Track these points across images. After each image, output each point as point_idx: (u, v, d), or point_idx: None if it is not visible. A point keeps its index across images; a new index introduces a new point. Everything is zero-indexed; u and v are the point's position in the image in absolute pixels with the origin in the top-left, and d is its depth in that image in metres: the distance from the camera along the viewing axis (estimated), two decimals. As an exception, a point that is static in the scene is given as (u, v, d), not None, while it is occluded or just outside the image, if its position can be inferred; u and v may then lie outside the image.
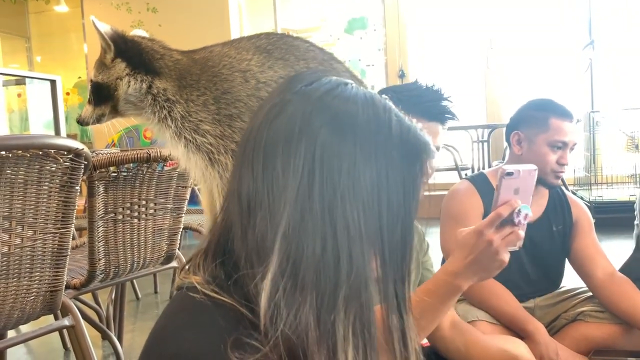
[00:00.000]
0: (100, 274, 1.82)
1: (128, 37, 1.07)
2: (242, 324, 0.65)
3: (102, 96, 1.05)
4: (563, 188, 2.19)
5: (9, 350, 2.22)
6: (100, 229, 1.79)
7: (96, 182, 1.73)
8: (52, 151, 1.46)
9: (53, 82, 3.60)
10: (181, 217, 2.08)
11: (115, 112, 1.07)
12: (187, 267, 0.75)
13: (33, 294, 1.53)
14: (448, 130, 1.52)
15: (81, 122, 1.09)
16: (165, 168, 1.94)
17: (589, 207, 2.33)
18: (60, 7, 7.31)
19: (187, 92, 1.00)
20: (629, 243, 3.72)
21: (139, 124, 1.18)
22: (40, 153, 1.44)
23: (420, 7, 6.38)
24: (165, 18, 6.13)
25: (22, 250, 1.47)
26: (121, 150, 2.38)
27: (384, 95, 0.75)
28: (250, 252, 0.68)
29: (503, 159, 4.38)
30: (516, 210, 1.02)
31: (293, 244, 0.65)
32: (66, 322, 1.65)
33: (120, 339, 2.51)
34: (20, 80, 5.13)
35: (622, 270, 2.04)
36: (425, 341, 1.52)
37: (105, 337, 2.53)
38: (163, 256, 2.07)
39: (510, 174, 1.01)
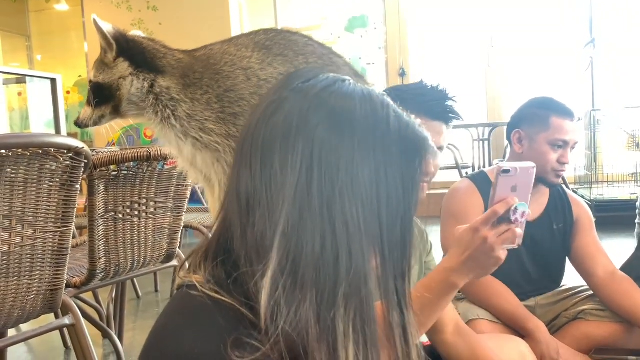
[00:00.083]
0: (101, 272, 1.82)
1: (129, 36, 1.05)
2: (242, 323, 0.65)
3: (104, 97, 1.03)
4: (564, 187, 2.19)
5: (9, 349, 2.22)
6: (101, 227, 1.79)
7: (96, 181, 1.73)
8: (52, 150, 1.45)
9: (53, 81, 3.60)
10: (181, 215, 2.08)
11: (116, 113, 1.05)
12: (187, 266, 0.75)
13: (33, 292, 1.53)
14: (448, 129, 1.52)
15: (80, 124, 1.06)
16: (166, 167, 1.94)
17: (590, 206, 2.33)
18: (61, 6, 7.31)
19: (191, 91, 0.99)
20: (629, 241, 3.72)
21: (139, 123, 1.16)
22: (41, 152, 1.43)
23: (420, 5, 6.38)
24: (166, 16, 6.13)
25: (23, 249, 1.47)
26: (121, 149, 2.38)
27: (382, 92, 0.75)
28: (249, 250, 0.68)
29: (504, 157, 4.38)
30: (512, 208, 1.01)
31: (292, 242, 0.65)
32: (66, 320, 1.65)
33: (120, 337, 2.51)
34: (20, 79, 5.12)
35: (623, 268, 2.04)
36: (426, 340, 1.52)
37: (105, 335, 2.53)
38: (163, 255, 2.07)
39: (506, 171, 1.01)
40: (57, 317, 1.81)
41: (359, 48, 6.43)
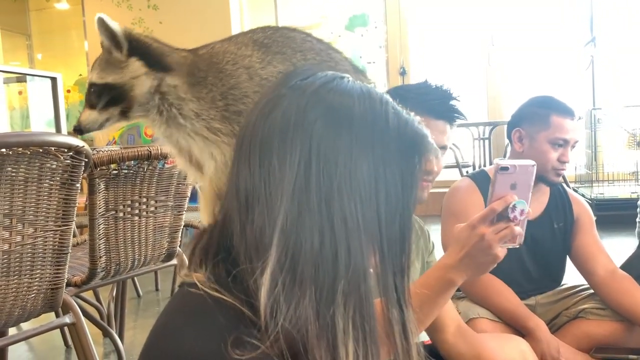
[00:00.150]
0: (101, 271, 1.82)
1: (135, 34, 1.03)
2: (242, 322, 0.65)
3: (112, 99, 0.97)
4: (564, 185, 2.19)
5: (10, 348, 2.22)
6: (101, 226, 1.79)
7: (97, 180, 1.73)
8: (53, 149, 1.45)
9: (54, 80, 3.60)
10: (182, 214, 2.08)
11: (124, 115, 1.00)
12: (187, 262, 0.75)
13: (34, 291, 1.53)
14: (449, 128, 1.52)
15: (83, 129, 0.99)
16: (166, 165, 1.94)
17: (590, 205, 2.33)
18: (61, 5, 7.31)
19: (197, 90, 0.97)
20: (630, 240, 3.72)
21: (138, 122, 1.12)
22: (41, 150, 1.43)
23: (421, 4, 6.37)
24: (166, 15, 6.12)
25: (23, 248, 1.47)
26: (122, 148, 2.38)
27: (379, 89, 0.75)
28: (249, 247, 0.68)
29: (504, 156, 4.38)
30: (511, 206, 1.01)
31: (291, 238, 0.65)
32: (67, 319, 1.65)
33: (121, 336, 2.51)
34: (21, 78, 5.12)
35: (623, 267, 2.04)
36: (427, 339, 1.52)
37: (106, 334, 2.53)
38: (164, 254, 2.07)
39: (505, 169, 1.01)
40: (57, 315, 1.81)
41: (360, 47, 6.42)
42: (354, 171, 0.67)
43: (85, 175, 1.63)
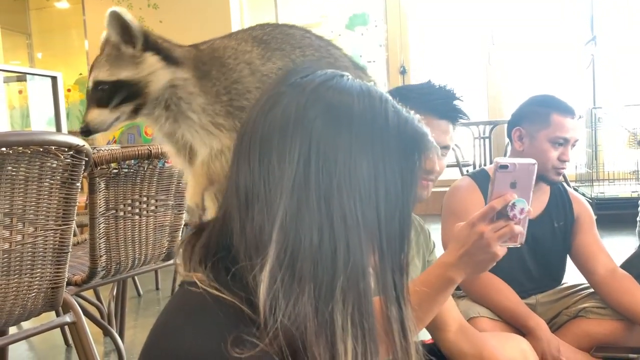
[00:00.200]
0: (102, 270, 1.82)
1: (147, 29, 0.99)
2: (242, 321, 0.65)
3: (126, 96, 0.92)
4: (564, 184, 2.19)
5: (10, 347, 2.22)
6: (102, 225, 1.79)
7: (97, 179, 1.73)
8: (53, 148, 1.45)
9: (54, 79, 3.60)
10: (182, 213, 2.08)
11: (135, 113, 0.94)
12: (182, 260, 0.75)
13: (34, 290, 1.53)
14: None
15: (92, 130, 0.92)
16: (167, 164, 1.94)
17: (591, 204, 2.34)
18: (61, 4, 7.31)
19: (203, 83, 0.94)
20: (630, 239, 3.72)
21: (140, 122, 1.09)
22: (41, 150, 1.43)
23: (421, 2, 6.37)
24: (166, 14, 6.12)
25: (23, 247, 1.47)
26: (122, 147, 2.38)
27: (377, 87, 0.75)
28: (249, 245, 0.68)
29: (505, 155, 4.38)
30: (510, 204, 1.01)
31: (290, 235, 0.65)
32: (67, 318, 1.65)
33: (121, 335, 2.51)
34: (21, 77, 5.13)
35: (623, 266, 2.04)
36: (429, 338, 1.52)
37: (106, 333, 2.53)
38: (164, 253, 2.07)
39: (504, 167, 1.01)
40: (58, 315, 1.81)
41: (360, 46, 6.42)
42: (353, 169, 0.67)
43: (85, 174, 1.63)
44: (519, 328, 1.85)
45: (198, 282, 0.69)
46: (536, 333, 1.81)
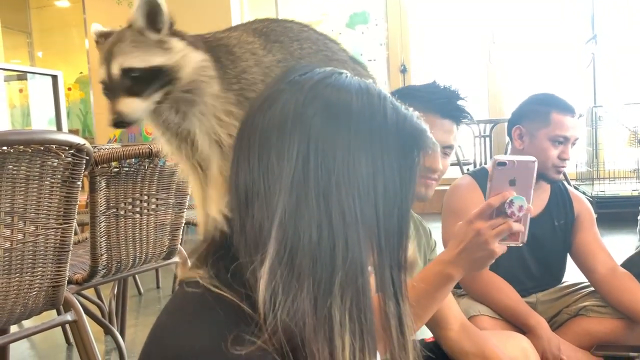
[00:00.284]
0: (103, 269, 1.82)
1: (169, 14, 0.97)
2: (242, 320, 0.65)
3: (161, 83, 0.87)
4: (565, 183, 2.19)
5: (11, 346, 2.22)
6: (102, 224, 1.79)
7: (98, 178, 1.73)
8: (54, 146, 1.45)
9: (54, 78, 3.60)
10: (183, 212, 2.08)
11: (162, 101, 0.89)
12: (188, 262, 0.75)
13: (35, 289, 1.53)
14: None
15: (128, 120, 0.85)
16: (167, 163, 1.94)
17: (591, 202, 2.34)
18: (62, 2, 7.31)
19: (218, 68, 0.92)
20: (631, 238, 3.72)
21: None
22: (42, 148, 1.43)
23: (422, 1, 6.37)
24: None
25: (24, 246, 1.47)
26: (123, 146, 2.38)
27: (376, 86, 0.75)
28: (249, 243, 0.68)
29: (505, 153, 4.38)
30: (508, 201, 1.01)
31: (289, 231, 0.65)
32: (69, 317, 1.65)
33: (122, 334, 2.52)
34: (21, 76, 5.14)
35: (624, 265, 2.04)
36: (430, 336, 1.52)
37: (107, 332, 2.53)
38: (165, 251, 2.07)
39: (502, 164, 1.01)
40: (59, 313, 1.81)
41: (360, 44, 6.42)
42: (352, 166, 0.67)
43: (86, 173, 1.63)
44: (520, 326, 1.86)
45: (199, 281, 0.69)
46: (537, 331, 1.82)
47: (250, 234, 0.68)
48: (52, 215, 1.52)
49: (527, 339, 1.65)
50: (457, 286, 1.96)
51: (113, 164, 1.77)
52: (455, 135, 1.47)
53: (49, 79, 3.70)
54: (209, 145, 0.90)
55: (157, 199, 1.97)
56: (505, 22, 6.03)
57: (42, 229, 1.50)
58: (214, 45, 0.93)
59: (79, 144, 1.50)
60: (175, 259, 2.15)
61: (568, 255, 2.11)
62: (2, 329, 1.70)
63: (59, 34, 7.43)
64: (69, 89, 6.96)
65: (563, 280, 2.15)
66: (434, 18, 6.34)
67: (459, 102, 1.46)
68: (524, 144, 2.00)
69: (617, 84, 5.57)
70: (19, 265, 1.47)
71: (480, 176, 1.98)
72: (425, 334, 1.60)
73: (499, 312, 1.90)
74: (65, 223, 1.55)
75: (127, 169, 1.83)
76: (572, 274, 2.16)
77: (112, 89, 0.84)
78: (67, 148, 1.49)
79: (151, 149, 1.83)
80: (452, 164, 4.89)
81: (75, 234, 1.86)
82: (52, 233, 1.53)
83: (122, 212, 1.85)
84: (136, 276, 3.35)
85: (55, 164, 1.48)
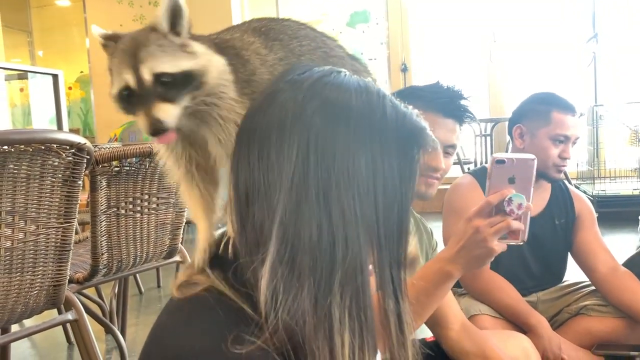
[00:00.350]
0: (103, 268, 1.82)
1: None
2: (243, 320, 0.65)
3: (190, 87, 0.84)
4: (566, 182, 2.19)
5: (12, 345, 2.23)
6: (103, 223, 1.80)
7: (99, 177, 1.73)
8: (55, 146, 1.46)
9: (55, 77, 3.61)
10: (184, 211, 2.08)
11: (188, 108, 0.86)
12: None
13: (36, 288, 1.53)
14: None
15: (165, 126, 0.81)
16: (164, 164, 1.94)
17: (592, 201, 2.33)
18: (62, 2, 7.31)
19: (231, 71, 0.91)
20: (632, 237, 3.72)
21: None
22: (43, 147, 1.44)
23: (422, 0, 6.36)
24: (167, 12, 6.12)
25: (25, 245, 1.47)
26: (124, 145, 2.38)
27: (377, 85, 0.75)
28: (249, 241, 0.68)
29: (506, 152, 4.38)
30: (507, 199, 1.01)
31: (290, 230, 0.65)
32: (69, 316, 1.65)
33: (123, 333, 2.52)
34: (22, 75, 5.14)
35: (625, 264, 2.04)
36: (430, 335, 1.52)
37: (108, 331, 2.53)
38: (166, 250, 2.07)
39: (501, 162, 1.00)
40: (60, 312, 1.81)
41: (361, 43, 6.42)
42: (351, 164, 0.67)
43: (87, 172, 1.63)
44: (521, 325, 1.85)
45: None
46: (537, 331, 1.82)
47: (251, 234, 0.68)
48: (52, 215, 1.52)
49: (527, 338, 1.65)
50: (458, 285, 1.97)
51: (114, 163, 1.77)
52: (458, 135, 1.47)
53: (50, 78, 3.70)
54: (226, 153, 0.85)
55: (157, 198, 1.97)
56: (506, 21, 6.03)
57: (43, 228, 1.50)
58: (223, 47, 0.91)
59: (79, 143, 1.50)
60: (176, 258, 2.16)
61: (569, 254, 2.11)
62: (3, 328, 1.70)
63: (59, 33, 7.43)
64: (70, 88, 6.96)
65: (564, 280, 2.15)
66: (434, 17, 6.34)
67: (462, 102, 1.46)
68: (524, 143, 2.00)
69: (617, 83, 5.57)
70: (20, 265, 1.47)
71: (481, 175, 1.98)
72: (426, 333, 1.60)
73: (499, 311, 1.90)
74: (66, 222, 1.56)
75: (127, 168, 1.83)
76: (573, 273, 2.16)
77: (144, 96, 0.80)
78: (68, 147, 1.49)
79: (152, 149, 1.83)
80: (453, 163, 4.90)
81: (76, 233, 1.87)
82: (53, 232, 1.53)
83: (123, 211, 1.85)
84: (137, 275, 3.35)
85: (56, 163, 1.49)
